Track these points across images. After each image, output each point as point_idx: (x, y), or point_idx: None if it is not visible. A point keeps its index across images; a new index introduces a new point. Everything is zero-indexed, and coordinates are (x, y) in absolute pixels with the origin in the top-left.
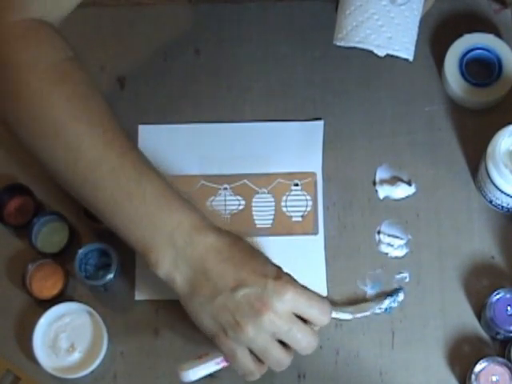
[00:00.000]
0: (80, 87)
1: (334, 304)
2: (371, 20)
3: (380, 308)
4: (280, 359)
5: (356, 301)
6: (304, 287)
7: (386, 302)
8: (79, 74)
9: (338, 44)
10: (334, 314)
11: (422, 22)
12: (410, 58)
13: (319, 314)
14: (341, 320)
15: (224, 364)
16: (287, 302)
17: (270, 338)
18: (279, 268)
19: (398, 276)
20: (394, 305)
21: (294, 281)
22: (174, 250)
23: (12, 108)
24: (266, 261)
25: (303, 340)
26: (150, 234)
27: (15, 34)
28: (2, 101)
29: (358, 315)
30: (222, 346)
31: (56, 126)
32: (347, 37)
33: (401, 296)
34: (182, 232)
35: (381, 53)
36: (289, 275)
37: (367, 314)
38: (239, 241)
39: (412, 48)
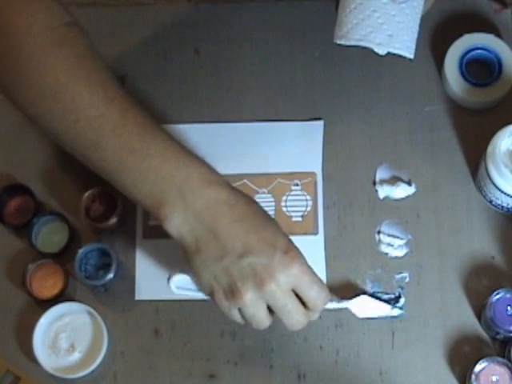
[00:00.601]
0: (78, 49)
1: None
2: (372, 18)
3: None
4: (263, 324)
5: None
6: (309, 266)
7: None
8: (77, 37)
9: (339, 42)
10: (332, 305)
11: (422, 22)
12: (411, 56)
13: (316, 298)
14: (339, 309)
15: None
16: (291, 277)
17: (263, 306)
18: (290, 241)
19: (398, 276)
20: (400, 312)
21: (303, 258)
22: (183, 204)
23: (9, 73)
24: (278, 230)
25: (294, 317)
26: (158, 188)
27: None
28: (0, 68)
29: (355, 311)
30: (218, 303)
31: (54, 88)
32: (348, 35)
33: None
34: (191, 185)
35: (381, 51)
36: (298, 250)
37: (363, 316)
38: (253, 203)
39: (413, 46)
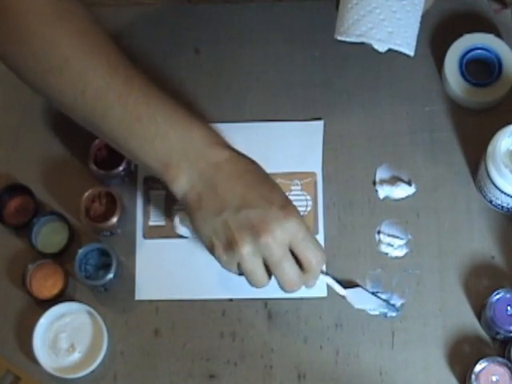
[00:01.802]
0: (80, 23)
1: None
2: (373, 14)
3: (374, 309)
4: (261, 281)
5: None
6: (306, 224)
7: (381, 309)
8: (79, 11)
9: (339, 38)
10: (331, 281)
11: (423, 21)
12: (411, 53)
13: (312, 255)
14: (335, 291)
15: None
16: (287, 229)
17: (260, 261)
18: (286, 198)
19: (398, 276)
20: (392, 314)
21: (299, 215)
22: (188, 165)
23: (14, 51)
24: (276, 188)
25: (289, 274)
26: (165, 152)
27: None
28: (2, 44)
29: (350, 301)
30: (218, 258)
31: (59, 62)
32: (348, 31)
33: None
34: (195, 146)
35: (381, 48)
36: (294, 207)
37: (358, 306)
38: (253, 163)
39: (413, 43)
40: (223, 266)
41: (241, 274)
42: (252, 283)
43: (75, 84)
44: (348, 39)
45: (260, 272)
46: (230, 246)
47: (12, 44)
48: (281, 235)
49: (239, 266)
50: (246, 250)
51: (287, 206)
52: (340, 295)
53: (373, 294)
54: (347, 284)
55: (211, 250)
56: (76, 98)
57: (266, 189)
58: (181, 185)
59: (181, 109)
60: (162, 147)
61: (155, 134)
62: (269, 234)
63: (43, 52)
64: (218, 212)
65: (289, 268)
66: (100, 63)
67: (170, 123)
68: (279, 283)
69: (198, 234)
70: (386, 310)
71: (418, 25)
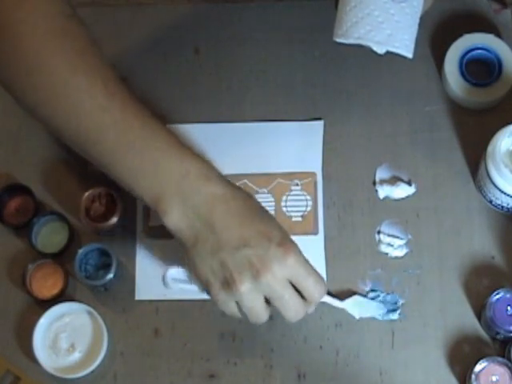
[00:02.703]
0: (78, 41)
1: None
2: (371, 16)
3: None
4: (261, 318)
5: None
6: (305, 258)
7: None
8: (77, 28)
9: (338, 40)
10: (328, 299)
11: (422, 21)
12: (410, 55)
13: (313, 288)
14: (333, 306)
15: None
16: (287, 267)
17: (260, 298)
18: (285, 233)
19: (398, 276)
20: (394, 317)
21: (298, 250)
22: (182, 199)
23: (8, 64)
24: (274, 224)
25: (292, 308)
26: (157, 184)
27: None
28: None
29: (350, 311)
30: (214, 297)
31: (54, 80)
32: (347, 33)
33: (398, 311)
34: (190, 180)
35: (380, 50)
36: (293, 242)
37: (358, 316)
38: (249, 198)
39: (412, 45)
40: (219, 305)
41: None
42: (251, 320)
43: (69, 105)
44: (347, 41)
45: (260, 309)
46: (228, 285)
47: (6, 57)
48: (281, 272)
49: (238, 304)
50: (246, 288)
51: (286, 241)
52: (340, 308)
53: (372, 298)
54: (345, 293)
55: (207, 288)
56: (69, 119)
57: (264, 225)
58: (173, 219)
59: (176, 140)
60: (155, 179)
61: (148, 164)
62: (268, 272)
63: (37, 66)
64: (215, 251)
65: (291, 301)
66: (96, 86)
67: (164, 154)
68: (282, 316)
69: (193, 271)
70: (388, 314)
71: (416, 27)
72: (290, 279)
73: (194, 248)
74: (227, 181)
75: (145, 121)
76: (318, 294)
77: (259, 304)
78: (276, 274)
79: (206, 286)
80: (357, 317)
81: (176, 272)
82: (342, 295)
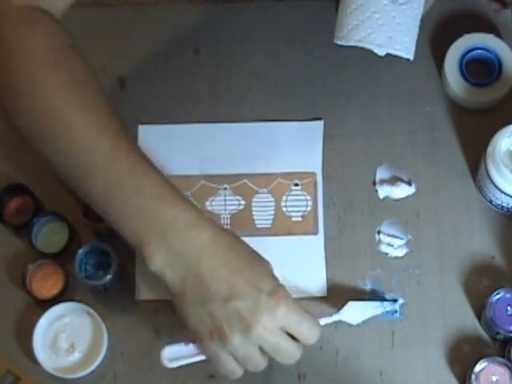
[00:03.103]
0: (75, 74)
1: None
2: (372, 19)
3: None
4: (259, 365)
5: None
6: (297, 304)
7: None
8: (75, 60)
9: (339, 43)
10: (323, 321)
11: (422, 22)
12: (411, 57)
13: (307, 333)
14: (335, 322)
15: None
16: (278, 318)
17: (253, 347)
18: (275, 280)
19: (398, 276)
20: (395, 315)
21: (289, 297)
22: (166, 245)
23: (6, 93)
24: (263, 270)
25: (286, 353)
26: (143, 227)
27: (14, 18)
28: None
29: (350, 321)
30: (206, 348)
31: (49, 112)
32: (348, 36)
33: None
34: (175, 227)
35: (381, 52)
36: (283, 289)
37: (355, 322)
38: (237, 243)
39: (412, 48)
40: (209, 357)
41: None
42: (250, 369)
43: (62, 138)
44: (347, 44)
45: (256, 358)
46: (219, 336)
47: (7, 86)
48: (272, 324)
49: (232, 354)
50: (237, 341)
51: (277, 290)
52: (335, 322)
53: (371, 299)
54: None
55: (198, 339)
56: (60, 150)
57: (254, 273)
58: (157, 264)
59: (165, 183)
60: (141, 222)
61: (135, 206)
62: (259, 325)
63: (36, 98)
64: (204, 301)
65: (285, 348)
66: (90, 120)
67: (152, 197)
68: (278, 361)
69: (183, 320)
70: (387, 309)
71: (417, 29)
72: (282, 328)
73: (182, 296)
74: (215, 225)
75: (136, 161)
76: (312, 337)
77: (253, 353)
78: (267, 326)
79: (195, 337)
80: (354, 323)
81: (171, 351)
82: (341, 296)
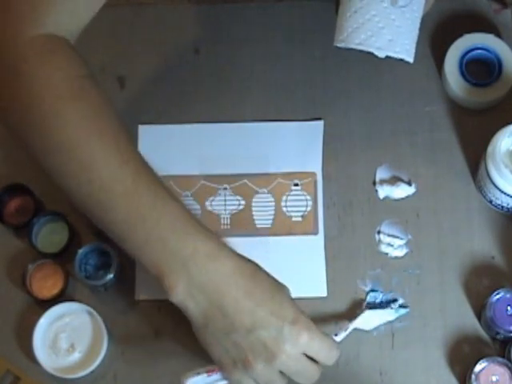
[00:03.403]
0: (95, 105)
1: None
2: (372, 22)
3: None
4: None
5: (355, 305)
6: (317, 330)
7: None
8: (94, 91)
9: (339, 46)
10: (344, 333)
11: (422, 21)
12: (411, 60)
13: (327, 357)
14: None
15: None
16: (301, 346)
17: (276, 373)
18: (297, 308)
19: (398, 276)
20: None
21: (311, 324)
22: (188, 278)
23: (26, 124)
24: (284, 300)
25: (307, 375)
26: (164, 259)
27: (31, 50)
28: (16, 117)
29: (364, 327)
30: (230, 375)
31: (69, 144)
32: (348, 39)
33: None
34: (197, 259)
35: (381, 55)
36: (305, 317)
37: (369, 328)
38: (258, 273)
39: (412, 50)
40: (232, 383)
41: None
42: None
43: (82, 170)
44: (347, 47)
45: (277, 382)
46: (243, 364)
47: (26, 116)
48: (295, 351)
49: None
50: (261, 368)
51: (298, 318)
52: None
53: (379, 306)
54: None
55: (222, 367)
56: (81, 184)
57: (276, 303)
58: (179, 296)
59: (186, 213)
60: (163, 254)
61: (156, 239)
62: (283, 353)
63: (55, 129)
64: (228, 332)
65: (307, 371)
66: (111, 153)
67: (173, 230)
68: (297, 382)
69: (206, 349)
70: (400, 314)
71: (417, 31)
72: (303, 352)
73: (205, 328)
74: (235, 256)
75: (156, 193)
76: (332, 359)
77: (275, 377)
78: (290, 354)
79: (219, 365)
80: (367, 329)
81: (193, 382)
82: (341, 296)
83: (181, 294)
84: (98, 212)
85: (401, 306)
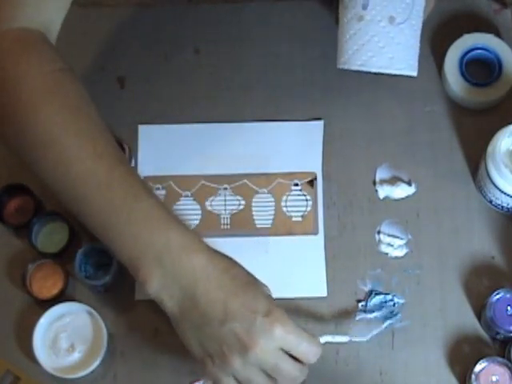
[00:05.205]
0: (70, 99)
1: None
2: (372, 42)
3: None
4: None
5: (355, 308)
6: (294, 324)
7: (385, 324)
8: (70, 85)
9: (342, 67)
10: (331, 339)
11: (422, 22)
12: (415, 74)
13: (307, 352)
14: (338, 343)
15: None
16: (275, 339)
17: (255, 369)
18: (271, 302)
19: (398, 276)
20: (395, 324)
21: (285, 317)
22: (161, 271)
23: (7, 121)
24: (258, 293)
25: (288, 374)
26: (138, 253)
27: (3, 46)
28: None
29: (356, 339)
30: (209, 373)
31: (46, 139)
32: (349, 61)
33: (399, 316)
34: (170, 252)
35: (384, 72)
36: (279, 310)
37: (365, 339)
38: (232, 267)
39: (415, 63)
40: (214, 382)
41: None
42: None
43: (58, 164)
44: (350, 68)
45: (259, 379)
46: (220, 359)
47: (5, 114)
48: (270, 344)
49: (237, 379)
50: (237, 363)
51: (272, 311)
52: (344, 341)
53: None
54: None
55: (201, 363)
56: (57, 178)
57: (249, 295)
58: (154, 288)
59: (159, 206)
60: (136, 246)
61: (130, 232)
62: (256, 346)
63: (31, 124)
64: (202, 325)
65: (287, 368)
66: (85, 147)
67: (146, 223)
68: (280, 383)
69: (185, 344)
70: (391, 321)
71: (418, 44)
72: (281, 348)
73: (181, 321)
74: (211, 250)
75: (131, 186)
76: (312, 356)
77: (255, 376)
78: (264, 347)
79: (198, 361)
80: (364, 339)
81: None
82: (342, 296)
83: (155, 287)
84: (75, 204)
85: (394, 305)
